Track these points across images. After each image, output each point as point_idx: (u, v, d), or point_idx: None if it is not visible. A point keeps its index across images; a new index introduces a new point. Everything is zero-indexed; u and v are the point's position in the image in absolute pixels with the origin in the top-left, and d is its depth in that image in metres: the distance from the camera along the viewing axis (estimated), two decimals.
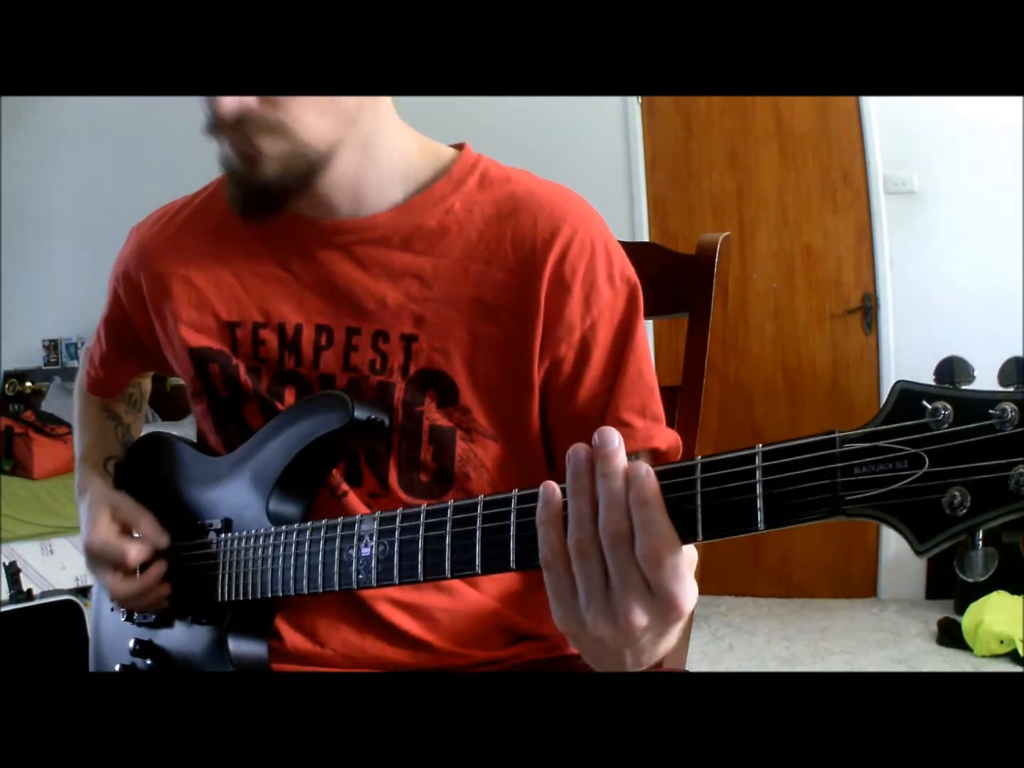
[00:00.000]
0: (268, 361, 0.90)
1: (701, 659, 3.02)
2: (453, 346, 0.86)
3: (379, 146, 0.87)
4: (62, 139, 4.71)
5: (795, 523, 0.53)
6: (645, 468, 0.56)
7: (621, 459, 0.57)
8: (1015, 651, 2.79)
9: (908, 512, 0.49)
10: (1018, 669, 2.74)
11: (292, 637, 0.89)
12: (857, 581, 3.57)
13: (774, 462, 0.53)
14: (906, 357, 3.46)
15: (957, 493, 0.47)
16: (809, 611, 3.48)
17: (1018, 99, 3.12)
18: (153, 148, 4.20)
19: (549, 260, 0.85)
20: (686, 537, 0.56)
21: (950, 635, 2.98)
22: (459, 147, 0.93)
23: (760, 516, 0.53)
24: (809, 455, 0.52)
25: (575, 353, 0.86)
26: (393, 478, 0.88)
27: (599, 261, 0.87)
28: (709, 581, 3.71)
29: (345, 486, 0.88)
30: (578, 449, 0.58)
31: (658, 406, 0.88)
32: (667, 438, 0.87)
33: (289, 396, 0.90)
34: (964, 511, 0.47)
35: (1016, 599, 2.74)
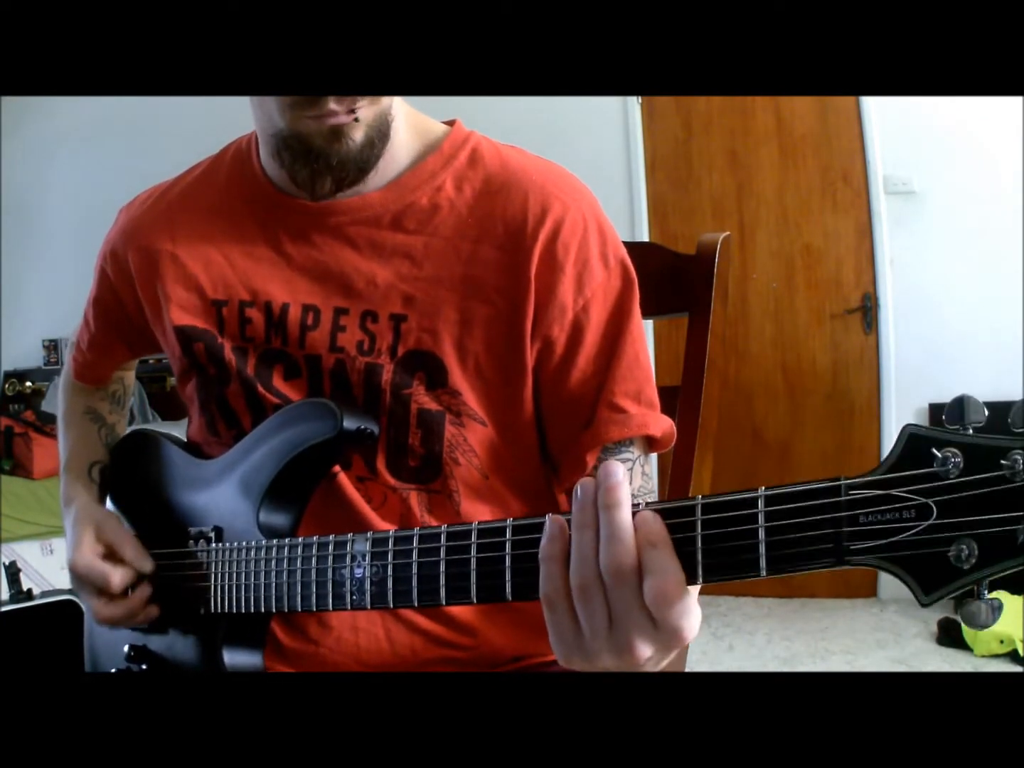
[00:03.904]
0: (255, 340, 0.89)
1: (701, 659, 3.02)
2: (443, 326, 0.84)
3: (394, 121, 0.85)
4: (62, 139, 4.71)
5: (798, 570, 0.52)
6: (652, 515, 0.56)
7: (625, 491, 0.56)
8: (1015, 651, 2.79)
9: (913, 563, 0.48)
10: (1018, 669, 2.74)
11: (285, 636, 0.89)
12: (857, 581, 3.57)
13: (777, 507, 0.52)
14: (906, 357, 3.47)
15: (964, 546, 0.46)
16: (809, 611, 3.48)
17: (1018, 99, 3.11)
18: (153, 148, 4.19)
19: (540, 238, 0.83)
20: (686, 579, 0.55)
21: (950, 635, 2.97)
22: (450, 123, 0.91)
23: (763, 563, 0.52)
24: (813, 502, 0.51)
25: (567, 335, 0.84)
26: (381, 462, 0.86)
27: (592, 240, 0.85)
28: None
29: (336, 467, 0.86)
30: (585, 483, 0.57)
31: (653, 392, 0.87)
32: (662, 425, 0.86)
33: (276, 376, 0.88)
34: (971, 564, 0.46)
35: (1016, 599, 2.74)
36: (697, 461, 1.01)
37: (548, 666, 0.93)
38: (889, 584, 3.53)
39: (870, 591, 3.57)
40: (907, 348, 3.47)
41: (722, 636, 3.28)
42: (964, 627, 2.91)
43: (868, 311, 3.54)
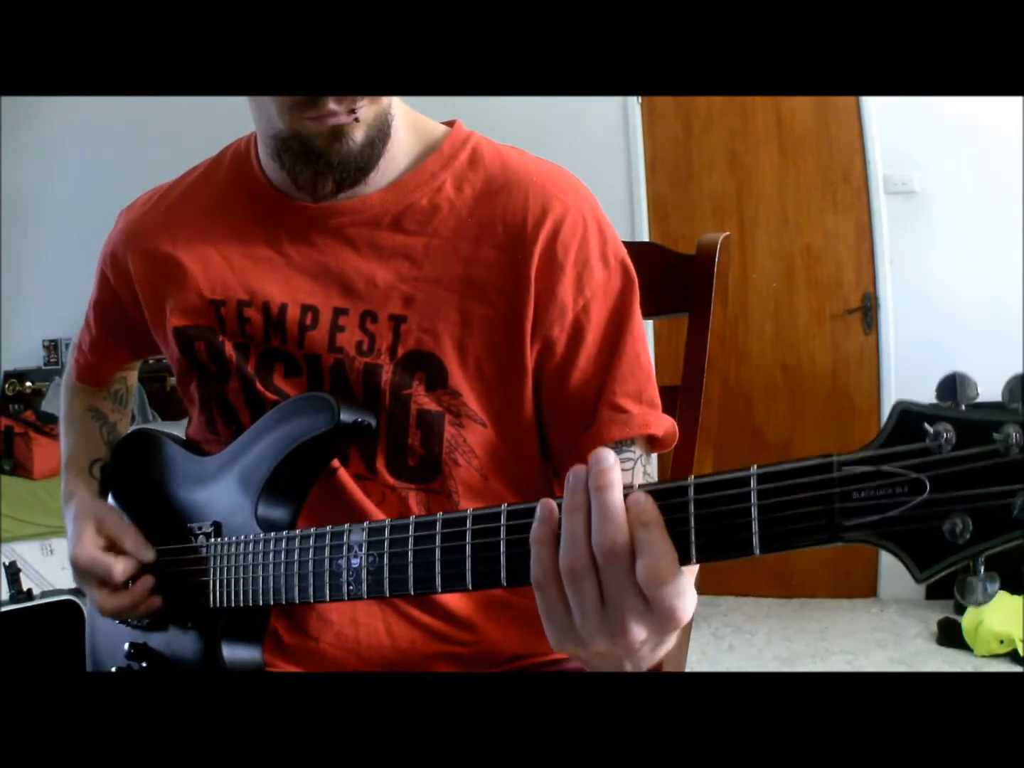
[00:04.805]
0: (255, 338, 0.89)
1: (701, 659, 3.02)
2: (443, 327, 0.84)
3: (394, 121, 0.86)
4: (62, 139, 4.71)
5: (792, 548, 0.51)
6: (643, 495, 0.56)
7: (616, 474, 0.56)
8: (1015, 651, 2.79)
9: (908, 539, 0.48)
10: (1018, 669, 2.74)
11: (285, 632, 0.89)
12: (857, 581, 3.57)
13: (770, 485, 0.52)
14: (906, 357, 3.47)
15: (959, 520, 0.46)
16: (809, 611, 3.48)
17: (1018, 99, 3.11)
18: (153, 148, 4.19)
19: (540, 238, 0.83)
20: (680, 560, 0.55)
21: (950, 635, 2.97)
22: (450, 124, 0.92)
23: (756, 541, 0.52)
24: (806, 479, 0.51)
25: (568, 335, 0.84)
26: (381, 462, 0.87)
27: (592, 240, 0.85)
28: (709, 581, 3.70)
29: (335, 462, 0.87)
30: (577, 469, 0.58)
31: (654, 391, 0.87)
32: (663, 424, 0.86)
33: (277, 374, 0.88)
34: (966, 538, 0.46)
35: (1016, 599, 2.74)
36: (697, 461, 1.01)
37: (548, 665, 0.93)
38: (889, 584, 3.53)
39: (870, 591, 3.57)
40: (907, 348, 3.47)
41: (722, 636, 3.28)
42: (964, 627, 2.92)
43: (868, 311, 3.54)
